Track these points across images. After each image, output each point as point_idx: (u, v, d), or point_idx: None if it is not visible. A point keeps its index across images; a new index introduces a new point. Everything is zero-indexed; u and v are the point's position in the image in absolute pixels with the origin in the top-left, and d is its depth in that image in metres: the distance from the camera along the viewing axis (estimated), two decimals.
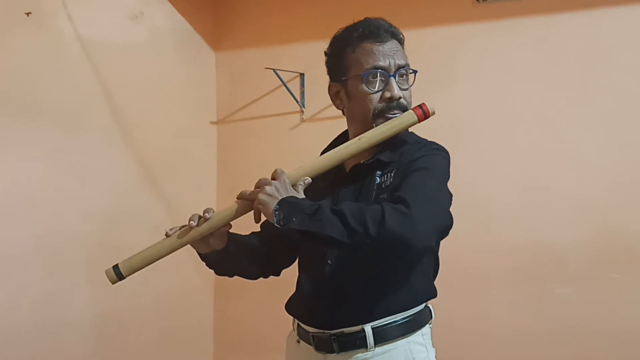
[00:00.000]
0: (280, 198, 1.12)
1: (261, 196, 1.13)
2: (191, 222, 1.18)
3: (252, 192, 1.17)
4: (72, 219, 2.26)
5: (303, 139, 2.72)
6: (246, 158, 2.88)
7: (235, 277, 1.38)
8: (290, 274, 1.38)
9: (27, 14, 2.11)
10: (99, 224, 2.36)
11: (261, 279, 1.42)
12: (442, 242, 1.26)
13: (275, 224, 1.10)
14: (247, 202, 1.18)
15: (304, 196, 1.16)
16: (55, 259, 2.20)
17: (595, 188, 2.18)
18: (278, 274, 1.40)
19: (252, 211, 1.18)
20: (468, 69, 2.41)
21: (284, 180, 1.16)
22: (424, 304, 1.26)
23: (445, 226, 1.18)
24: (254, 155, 2.86)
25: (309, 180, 1.19)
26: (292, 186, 1.17)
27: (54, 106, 2.21)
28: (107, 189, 2.40)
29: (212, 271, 1.34)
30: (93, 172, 2.34)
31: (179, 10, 2.77)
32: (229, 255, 1.27)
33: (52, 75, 2.21)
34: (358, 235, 1.04)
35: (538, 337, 2.25)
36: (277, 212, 1.10)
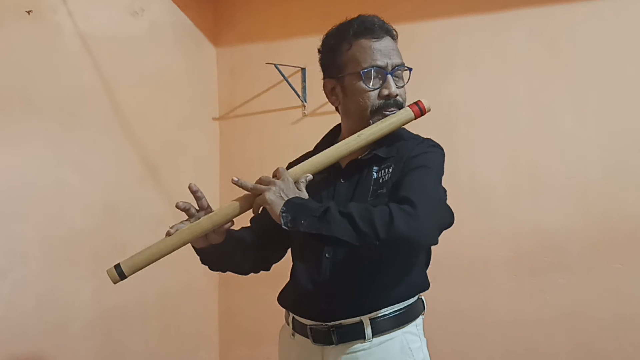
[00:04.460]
0: (286, 199, 1.13)
1: (268, 195, 1.14)
2: (190, 220, 1.20)
3: (255, 186, 1.18)
4: (73, 214, 2.27)
5: (305, 134, 2.71)
6: (248, 153, 2.89)
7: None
8: (290, 266, 1.38)
9: (28, 12, 2.11)
10: (101, 220, 2.37)
11: (264, 273, 1.43)
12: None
13: (283, 226, 1.11)
14: (249, 199, 1.18)
15: (307, 195, 1.17)
16: (59, 255, 2.21)
17: (595, 175, 2.19)
18: (268, 269, 1.41)
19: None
20: (465, 59, 2.41)
21: (287, 179, 1.17)
22: (417, 296, 1.27)
23: (448, 223, 1.21)
24: (256, 151, 2.87)
25: (310, 177, 1.20)
26: (295, 183, 1.17)
27: (54, 102, 2.21)
28: (108, 185, 2.40)
29: (220, 271, 1.36)
30: (94, 168, 2.35)
31: (178, 5, 2.76)
32: (225, 251, 1.27)
33: (52, 70, 2.21)
34: (367, 237, 1.06)
35: (539, 325, 2.25)
36: (284, 214, 1.11)
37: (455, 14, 2.43)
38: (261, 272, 1.43)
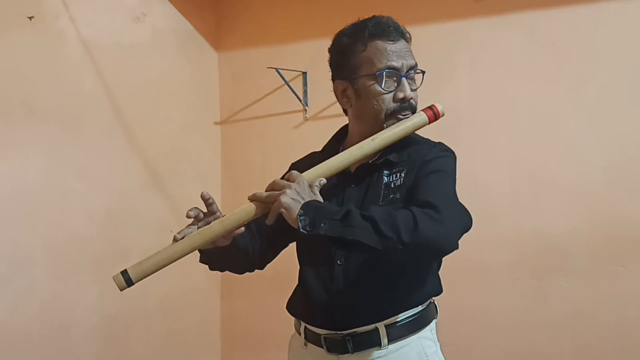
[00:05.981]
0: (302, 202, 1.10)
1: (284, 199, 1.09)
2: (198, 225, 1.16)
3: (269, 195, 1.13)
4: (76, 220, 2.27)
5: (306, 138, 2.72)
6: (250, 158, 2.89)
7: (242, 276, 1.38)
8: (294, 269, 1.36)
9: (30, 18, 2.12)
10: (103, 225, 2.37)
11: (268, 276, 1.42)
12: None
13: (301, 230, 1.07)
14: (263, 204, 1.14)
15: (322, 199, 1.14)
16: (61, 261, 2.21)
17: (597, 178, 2.19)
18: (262, 269, 1.38)
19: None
20: (467, 62, 2.42)
21: (303, 182, 1.13)
22: (429, 300, 1.26)
23: (469, 227, 1.20)
24: (257, 155, 2.87)
25: (324, 181, 1.17)
26: (308, 187, 1.14)
27: (57, 108, 2.22)
28: (111, 190, 2.41)
29: (218, 271, 1.34)
30: (97, 173, 2.35)
31: (180, 11, 2.77)
32: (228, 252, 1.23)
33: (55, 76, 2.22)
34: (390, 242, 1.02)
35: (542, 328, 2.25)
36: (302, 218, 1.07)
37: (456, 17, 2.43)
38: (262, 275, 1.41)
